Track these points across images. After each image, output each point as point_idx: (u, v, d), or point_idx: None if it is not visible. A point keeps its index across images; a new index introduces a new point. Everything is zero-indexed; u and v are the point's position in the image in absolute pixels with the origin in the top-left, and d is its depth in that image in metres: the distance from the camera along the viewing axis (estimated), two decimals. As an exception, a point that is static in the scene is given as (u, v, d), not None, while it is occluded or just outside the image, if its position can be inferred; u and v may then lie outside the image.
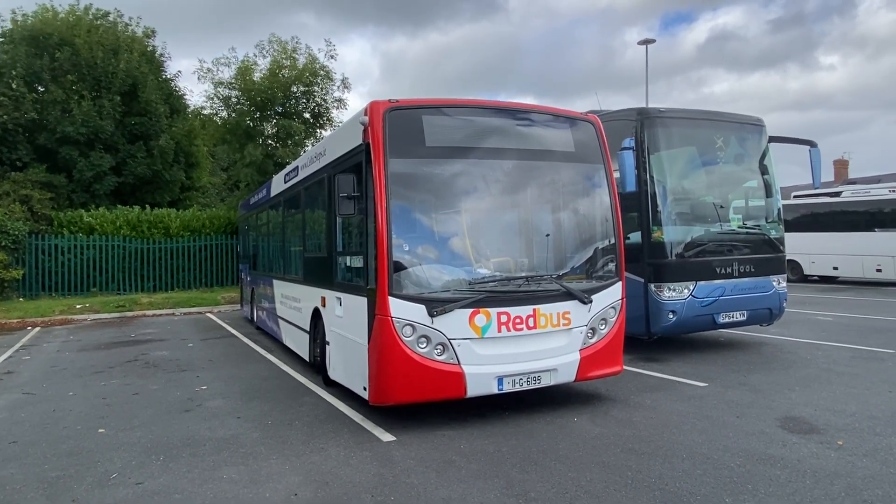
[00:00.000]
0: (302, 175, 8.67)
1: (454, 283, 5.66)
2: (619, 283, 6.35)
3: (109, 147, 20.60)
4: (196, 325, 13.95)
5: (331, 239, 7.00)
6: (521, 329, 5.68)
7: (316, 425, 5.84)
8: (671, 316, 8.35)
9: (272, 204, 11.15)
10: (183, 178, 23.74)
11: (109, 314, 16.05)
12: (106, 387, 7.75)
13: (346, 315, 6.46)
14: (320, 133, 23.43)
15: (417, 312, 5.38)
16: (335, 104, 23.53)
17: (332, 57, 23.14)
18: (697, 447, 4.98)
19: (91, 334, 12.83)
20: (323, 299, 7.27)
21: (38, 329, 13.93)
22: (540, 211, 6.66)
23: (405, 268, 5.52)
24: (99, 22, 21.94)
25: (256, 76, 22.36)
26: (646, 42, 26.20)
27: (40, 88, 20.56)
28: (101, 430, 5.85)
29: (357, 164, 5.92)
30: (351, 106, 23.86)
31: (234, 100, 22.61)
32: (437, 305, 5.40)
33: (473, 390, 5.55)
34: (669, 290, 8.36)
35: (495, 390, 5.63)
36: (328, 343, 7.12)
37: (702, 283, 8.49)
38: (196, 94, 41.38)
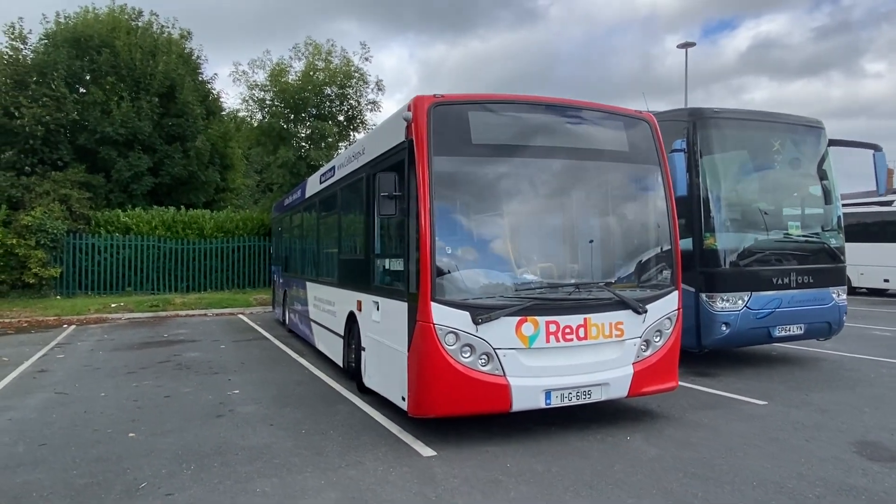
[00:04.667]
0: (339, 175, 8.44)
1: (500, 289, 5.33)
2: (676, 293, 5.93)
3: (147, 148, 20.84)
4: (228, 327, 13.87)
5: (369, 240, 6.72)
6: (571, 339, 5.31)
7: (352, 436, 5.56)
8: (724, 328, 7.87)
9: (307, 205, 10.97)
10: (218, 180, 23.91)
11: (143, 314, 16.12)
12: (138, 388, 7.61)
13: (384, 320, 6.17)
14: (353, 136, 23.42)
15: (461, 319, 5.06)
16: (369, 106, 23.56)
17: (366, 59, 23.13)
18: (768, 474, 4.55)
19: (125, 333, 12.83)
20: (359, 303, 7.00)
21: (73, 327, 14.01)
22: (591, 214, 6.29)
23: (449, 272, 5.21)
24: (134, 23, 22.24)
25: (291, 78, 22.43)
26: (685, 45, 25.57)
27: (81, 90, 20.91)
28: (131, 435, 5.67)
29: (399, 161, 5.64)
30: (385, 109, 23.84)
31: (268, 102, 22.73)
32: (482, 312, 5.07)
33: (519, 404, 5.20)
34: (723, 300, 7.88)
35: (542, 404, 5.27)
36: (364, 349, 6.84)
37: (757, 293, 7.99)
38: (232, 96, 41.83)
